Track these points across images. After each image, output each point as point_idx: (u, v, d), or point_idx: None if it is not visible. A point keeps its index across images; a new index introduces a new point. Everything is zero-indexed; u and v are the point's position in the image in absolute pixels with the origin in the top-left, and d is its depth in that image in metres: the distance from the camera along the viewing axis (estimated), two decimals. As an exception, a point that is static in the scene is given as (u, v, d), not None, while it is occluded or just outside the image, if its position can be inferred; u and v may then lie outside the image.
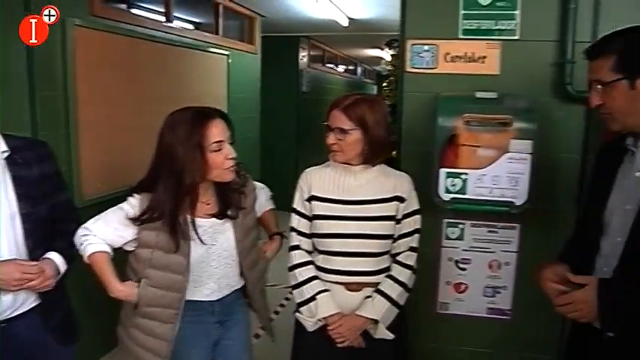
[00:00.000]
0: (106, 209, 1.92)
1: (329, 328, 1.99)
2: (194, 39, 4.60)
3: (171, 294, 1.86)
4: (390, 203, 2.00)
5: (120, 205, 1.90)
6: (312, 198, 2.03)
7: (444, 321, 2.64)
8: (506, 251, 2.53)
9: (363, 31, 6.23)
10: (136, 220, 1.83)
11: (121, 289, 1.84)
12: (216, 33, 5.18)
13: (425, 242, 2.46)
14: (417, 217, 2.05)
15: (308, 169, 2.10)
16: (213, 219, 1.92)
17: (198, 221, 1.88)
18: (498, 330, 2.61)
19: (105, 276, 1.84)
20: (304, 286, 2.02)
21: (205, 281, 1.93)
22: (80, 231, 1.88)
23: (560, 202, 2.48)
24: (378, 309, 1.97)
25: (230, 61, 5.21)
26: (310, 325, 2.02)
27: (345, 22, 5.94)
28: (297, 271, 2.04)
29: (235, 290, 2.04)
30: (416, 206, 2.05)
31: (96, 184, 3.25)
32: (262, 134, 6.27)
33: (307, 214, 2.05)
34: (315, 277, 2.02)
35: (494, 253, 2.54)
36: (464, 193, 2.26)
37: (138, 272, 1.87)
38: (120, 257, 1.93)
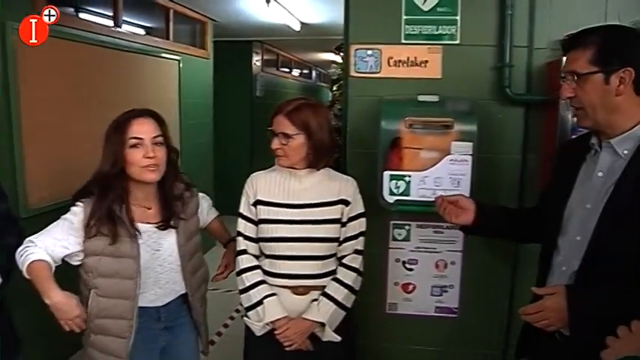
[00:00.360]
0: (53, 218, 1.91)
1: (276, 332, 2.01)
2: (144, 44, 4.54)
3: (123, 302, 1.85)
4: (335, 206, 2.04)
5: (63, 215, 1.90)
6: (257, 202, 2.05)
7: (394, 321, 2.67)
8: (452, 251, 2.59)
9: (315, 36, 6.26)
10: (89, 228, 1.83)
11: (58, 296, 1.76)
12: (167, 38, 5.13)
13: (372, 244, 2.51)
14: (362, 220, 2.10)
15: (253, 174, 2.12)
16: (156, 226, 1.96)
17: (142, 226, 1.91)
18: (446, 328, 2.66)
19: (42, 283, 1.77)
20: (251, 291, 2.03)
21: (151, 287, 1.95)
22: (22, 245, 1.85)
23: (502, 201, 2.54)
24: (324, 312, 2.00)
25: (181, 66, 5.18)
26: (258, 329, 2.03)
27: (297, 27, 5.96)
28: (244, 275, 2.05)
29: (180, 295, 2.05)
30: (361, 209, 2.10)
31: (41, 194, 3.16)
32: (215, 139, 6.23)
33: (253, 218, 2.06)
34: (262, 282, 2.04)
35: (441, 253, 2.59)
36: (407, 195, 2.30)
37: (87, 284, 1.86)
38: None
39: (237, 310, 4.33)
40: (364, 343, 2.64)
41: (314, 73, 11.40)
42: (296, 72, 10.09)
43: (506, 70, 2.45)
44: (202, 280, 2.13)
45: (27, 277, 1.79)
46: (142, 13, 5.04)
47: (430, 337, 2.68)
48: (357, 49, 2.52)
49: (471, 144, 2.26)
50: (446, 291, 2.62)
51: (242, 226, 2.08)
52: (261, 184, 2.07)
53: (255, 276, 2.05)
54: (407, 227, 2.58)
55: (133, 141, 1.85)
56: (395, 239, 2.60)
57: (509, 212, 2.14)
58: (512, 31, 2.44)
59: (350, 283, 2.05)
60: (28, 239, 1.86)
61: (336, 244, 2.06)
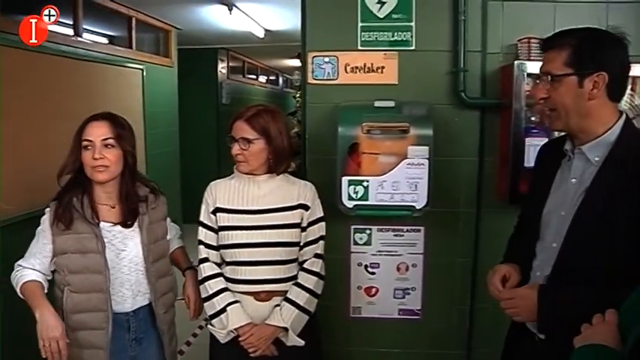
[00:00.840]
0: (15, 230, 1.99)
1: (240, 338, 2.02)
2: (106, 53, 4.48)
3: (96, 295, 1.91)
4: (295, 211, 2.07)
5: (37, 229, 1.99)
6: (217, 210, 2.07)
7: (358, 325, 2.69)
8: (413, 253, 2.62)
9: (279, 42, 6.27)
10: (54, 226, 1.92)
11: (47, 311, 1.84)
12: (130, 47, 5.08)
13: (334, 249, 2.54)
14: (322, 224, 2.14)
15: (213, 182, 2.14)
16: (120, 226, 2.00)
17: (107, 225, 1.97)
18: (410, 330, 2.69)
19: (34, 299, 1.88)
20: (214, 299, 2.04)
21: (117, 288, 1.98)
22: (14, 270, 1.97)
23: (461, 204, 2.60)
24: (286, 317, 2.01)
25: (145, 75, 5.13)
26: (222, 336, 2.04)
27: (261, 34, 5.97)
28: (206, 283, 2.07)
29: (149, 305, 2.06)
30: (320, 214, 2.13)
31: (0, 206, 3.10)
32: (182, 148, 6.18)
33: (213, 226, 2.08)
34: (225, 289, 2.06)
35: (402, 256, 2.62)
36: (366, 200, 2.33)
37: (61, 282, 1.94)
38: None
39: (207, 319, 4.30)
40: (329, 348, 2.65)
41: (281, 80, 11.40)
42: (263, 78, 10.08)
43: (461, 75, 2.49)
44: (168, 287, 2.13)
45: (22, 297, 1.91)
46: (103, 22, 4.98)
47: (394, 340, 2.70)
48: (314, 57, 2.55)
49: (427, 148, 2.30)
50: (408, 293, 2.65)
51: (202, 234, 2.10)
52: (221, 192, 2.09)
53: (218, 284, 2.06)
54: (368, 231, 2.60)
55: (85, 143, 1.94)
56: (356, 243, 2.62)
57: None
58: (466, 37, 2.49)
59: (311, 287, 2.07)
60: (17, 263, 1.97)
61: (297, 248, 2.08)
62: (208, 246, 2.09)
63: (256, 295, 2.05)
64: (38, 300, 1.86)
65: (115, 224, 1.99)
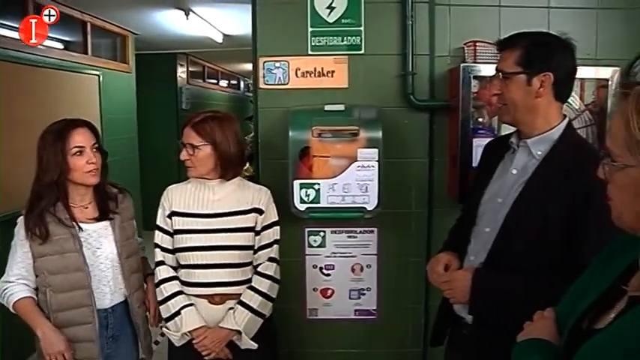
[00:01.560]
0: None
1: (194, 341, 2.04)
2: (61, 59, 4.40)
3: (79, 292, 1.97)
4: (249, 215, 2.09)
5: (12, 241, 2.02)
6: (172, 214, 2.10)
7: (315, 326, 2.72)
8: (367, 254, 2.66)
9: (238, 47, 6.24)
10: (30, 235, 1.94)
11: (48, 329, 1.91)
12: (85, 52, 4.99)
13: (289, 251, 2.56)
14: (276, 228, 2.17)
15: (169, 187, 2.18)
16: (96, 223, 2.05)
17: (82, 225, 2.01)
18: (367, 330, 2.73)
19: (31, 319, 1.95)
20: (169, 301, 2.07)
21: (97, 285, 2.02)
22: (1, 287, 2.00)
23: (412, 204, 2.65)
24: (239, 320, 2.03)
25: (102, 80, 5.06)
26: (177, 339, 2.07)
27: (219, 39, 5.94)
28: (162, 286, 2.10)
29: (124, 302, 2.10)
30: (274, 218, 2.16)
31: None
32: (141, 154, 6.11)
33: (169, 230, 2.12)
34: (179, 292, 2.08)
35: (356, 257, 2.66)
36: (318, 202, 2.36)
37: (42, 284, 1.97)
38: None
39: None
40: (287, 350, 2.67)
41: (242, 84, 11.33)
42: (224, 83, 10.00)
43: (410, 78, 2.55)
44: (140, 283, 2.18)
45: (15, 312, 1.97)
46: (57, 27, 4.88)
47: (352, 340, 2.74)
48: (265, 62, 2.57)
49: (376, 150, 2.34)
50: (364, 294, 2.69)
51: (159, 237, 2.13)
52: (176, 196, 2.12)
53: (173, 286, 2.08)
54: (321, 234, 2.63)
55: (76, 150, 1.97)
56: (311, 246, 2.65)
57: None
58: (414, 41, 2.55)
59: (265, 290, 2.09)
60: (2, 280, 2.00)
61: (251, 252, 2.11)
62: (164, 249, 2.12)
63: (210, 299, 2.07)
64: (36, 318, 1.93)
65: (90, 221, 2.04)
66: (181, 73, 7.42)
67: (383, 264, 2.67)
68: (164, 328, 2.11)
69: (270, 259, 2.13)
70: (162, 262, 2.12)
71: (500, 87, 1.69)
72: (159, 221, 2.13)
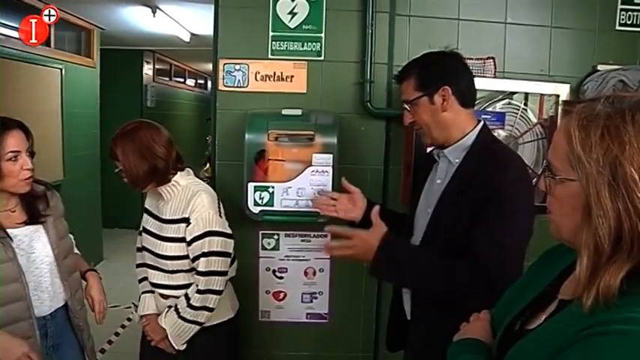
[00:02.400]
0: None
1: (142, 323, 2.20)
2: (21, 50, 4.29)
3: (16, 305, 1.81)
4: (178, 225, 2.07)
5: None
6: (144, 210, 2.23)
7: (267, 328, 2.73)
8: (320, 258, 2.68)
9: (206, 47, 6.21)
10: None
11: (2, 337, 1.73)
12: (48, 45, 4.90)
13: (243, 253, 2.57)
14: (207, 239, 2.05)
15: None
16: (26, 227, 1.91)
17: (11, 232, 1.86)
18: (318, 333, 2.75)
19: None
20: (139, 285, 2.28)
21: (34, 292, 1.91)
22: None
23: (367, 210, 2.68)
24: (168, 321, 2.11)
25: (64, 74, 4.98)
26: (138, 320, 2.26)
27: (186, 37, 5.92)
28: (137, 270, 2.31)
29: (64, 307, 2.02)
30: (205, 229, 2.04)
31: None
32: (103, 151, 6.02)
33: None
34: (144, 279, 2.25)
35: (309, 261, 2.68)
36: (272, 206, 2.38)
37: None
38: None
39: (123, 326, 4.23)
40: (240, 351, 2.68)
41: (209, 84, 11.26)
42: (190, 82, 9.92)
43: (368, 86, 2.58)
44: (78, 283, 2.11)
45: None
46: (18, 17, 4.79)
47: (303, 343, 2.76)
48: (225, 64, 2.57)
49: (331, 155, 2.37)
50: (316, 297, 2.71)
51: (144, 221, 2.23)
52: (149, 194, 2.22)
53: (141, 272, 2.27)
54: (275, 237, 2.65)
55: (11, 155, 1.82)
56: (265, 248, 2.66)
57: (397, 215, 2.18)
58: (374, 49, 2.58)
59: (194, 303, 2.05)
60: None
61: (185, 261, 2.09)
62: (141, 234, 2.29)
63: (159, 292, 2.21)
64: None
65: (19, 226, 1.90)
66: (147, 70, 7.35)
67: (335, 268, 2.70)
68: (133, 310, 2.28)
69: (199, 273, 2.06)
70: (140, 249, 2.29)
71: (412, 115, 1.80)
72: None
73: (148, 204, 2.23)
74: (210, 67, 9.08)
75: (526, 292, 1.15)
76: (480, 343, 1.17)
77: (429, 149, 2.37)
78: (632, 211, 0.84)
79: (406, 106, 1.81)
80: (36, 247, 1.93)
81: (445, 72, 1.75)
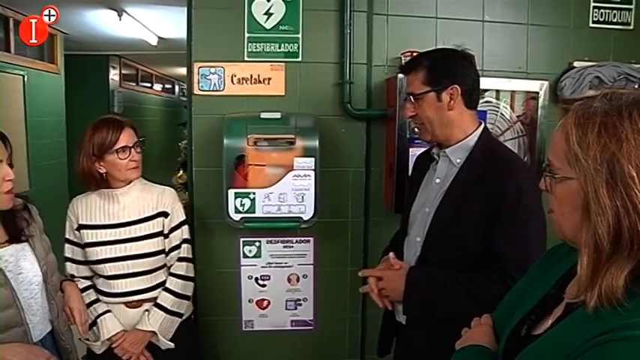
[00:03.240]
0: None
1: (113, 345, 2.08)
2: (-23, 56, 4.14)
3: (12, 331, 1.65)
4: (155, 220, 2.12)
5: None
6: (81, 227, 2.09)
7: (251, 338, 2.65)
8: (303, 264, 2.63)
9: (173, 50, 6.09)
10: None
11: (16, 350, 1.58)
12: (8, 50, 4.72)
13: (223, 262, 2.52)
14: (184, 227, 2.20)
15: (75, 198, 2.17)
16: (10, 246, 1.72)
17: None
18: (304, 340, 2.69)
19: None
20: (90, 308, 2.08)
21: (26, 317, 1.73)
22: None
23: (349, 213, 2.64)
24: (154, 321, 2.09)
25: (27, 81, 4.80)
26: (97, 347, 2.09)
27: (154, 41, 5.78)
28: (83, 295, 2.07)
29: (51, 333, 1.83)
30: (181, 218, 2.19)
31: None
32: (70, 159, 5.84)
33: (79, 242, 2.12)
34: (96, 301, 2.11)
35: (292, 267, 2.62)
36: (253, 212, 2.31)
37: None
38: None
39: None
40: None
41: (177, 88, 11.05)
42: (158, 87, 9.73)
43: (347, 87, 2.54)
44: (62, 303, 1.92)
45: None
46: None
47: (288, 351, 2.69)
48: (200, 67, 2.49)
49: (313, 159, 2.32)
50: (300, 304, 2.65)
51: (69, 251, 2.13)
52: (82, 208, 2.11)
53: (88, 297, 2.09)
54: (257, 244, 2.58)
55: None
56: (246, 256, 2.58)
57: None
58: (352, 50, 2.54)
59: (178, 290, 2.14)
60: None
61: (162, 255, 2.15)
62: (75, 261, 2.13)
63: (127, 303, 2.12)
64: None
65: (3, 245, 1.70)
66: (114, 75, 7.17)
67: (319, 274, 2.65)
68: (84, 340, 2.08)
69: (181, 259, 2.17)
70: (73, 276, 2.12)
71: (415, 109, 1.76)
72: (67, 234, 2.13)
73: (87, 219, 2.08)
74: (178, 71, 8.94)
75: (530, 295, 1.13)
76: (485, 350, 1.13)
77: (418, 150, 2.37)
78: (631, 209, 0.83)
79: (411, 99, 1.76)
80: (23, 266, 1.74)
81: (456, 71, 1.72)
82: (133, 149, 2.07)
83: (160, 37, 5.75)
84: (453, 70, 1.72)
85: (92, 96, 6.83)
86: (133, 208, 2.10)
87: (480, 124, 1.77)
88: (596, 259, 0.86)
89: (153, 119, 9.13)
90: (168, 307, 2.11)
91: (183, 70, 9.13)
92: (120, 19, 4.77)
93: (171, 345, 2.12)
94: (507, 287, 1.34)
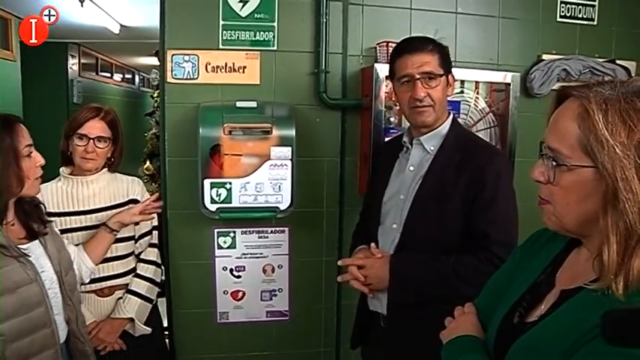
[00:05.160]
0: None
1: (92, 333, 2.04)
2: None
3: (40, 332, 1.59)
4: (127, 207, 2.14)
5: None
6: (49, 215, 1.94)
7: (226, 330, 2.62)
8: (278, 254, 2.61)
9: (136, 39, 5.96)
10: None
11: None
12: (-43, 36, 4.52)
13: (197, 254, 2.49)
14: (153, 215, 2.24)
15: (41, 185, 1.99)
16: (30, 243, 1.66)
17: (21, 247, 1.61)
18: (279, 331, 2.69)
19: None
20: None
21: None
22: None
23: (324, 203, 2.64)
24: (131, 308, 2.10)
25: (-22, 69, 4.61)
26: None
27: (116, 29, 5.63)
28: None
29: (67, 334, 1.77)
30: None
31: None
32: (28, 150, 5.65)
33: None
34: None
35: (267, 258, 2.60)
36: (229, 202, 2.28)
37: None
38: None
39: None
40: (197, 356, 2.60)
41: (137, 78, 10.77)
42: (118, 77, 9.48)
43: (322, 76, 2.52)
44: (79, 302, 1.86)
45: None
46: None
47: (264, 342, 2.68)
48: (173, 55, 2.44)
49: (289, 148, 2.30)
50: (275, 295, 2.63)
51: (60, 224, 2.05)
52: (49, 196, 2.04)
53: None
54: (232, 234, 2.54)
55: (28, 149, 1.64)
56: (220, 247, 2.55)
57: None
58: (328, 39, 2.53)
59: (150, 275, 2.19)
60: None
61: (132, 242, 2.18)
62: None
63: (99, 292, 2.10)
64: None
65: (22, 241, 1.64)
66: (73, 64, 6.95)
67: (294, 264, 2.64)
68: None
69: (151, 245, 2.24)
70: None
71: (426, 90, 1.74)
72: None
73: (54, 207, 2.02)
74: (139, 60, 8.74)
75: (518, 281, 1.12)
76: (476, 340, 1.12)
77: (387, 138, 2.38)
78: None
79: (424, 78, 1.74)
80: (44, 264, 1.68)
81: (450, 61, 1.83)
82: (93, 141, 2.05)
83: (122, 25, 5.60)
84: (449, 58, 1.82)
85: (50, 85, 6.61)
86: (103, 195, 2.11)
87: (449, 113, 1.84)
88: (626, 245, 0.86)
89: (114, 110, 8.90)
90: (143, 293, 2.15)
91: (144, 60, 9.02)
92: (82, 6, 4.62)
93: (148, 330, 2.14)
94: (496, 266, 1.38)
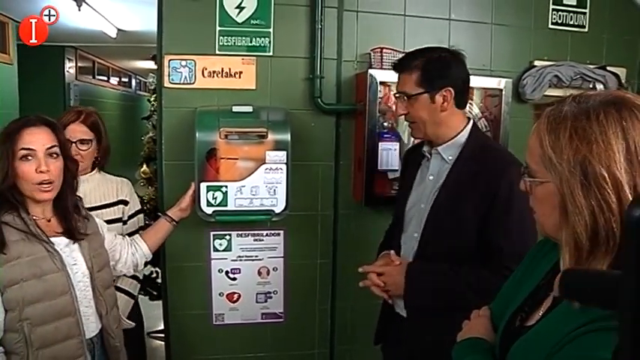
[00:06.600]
0: None
1: None
2: None
3: (65, 320, 1.65)
4: (116, 207, 2.25)
5: None
6: None
7: (222, 332, 2.65)
8: (274, 257, 2.64)
9: (133, 43, 5.99)
10: None
11: None
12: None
13: (194, 256, 2.51)
14: (140, 216, 2.38)
15: None
16: (64, 237, 1.73)
17: (54, 240, 1.69)
18: (274, 333, 2.71)
19: None
20: None
21: (81, 309, 1.73)
22: None
23: (319, 206, 2.67)
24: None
25: (-22, 72, 4.63)
26: None
27: (113, 33, 5.67)
28: None
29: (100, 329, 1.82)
30: (138, 207, 2.38)
31: None
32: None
33: None
34: None
35: (262, 260, 2.63)
36: (225, 205, 2.31)
37: (15, 321, 1.58)
38: None
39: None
40: (195, 357, 2.62)
41: (134, 82, 10.81)
42: (114, 80, 9.51)
43: (318, 81, 2.56)
44: (114, 300, 1.90)
45: None
46: None
47: (259, 344, 2.70)
48: (170, 60, 2.47)
49: (284, 153, 2.33)
50: (270, 297, 2.66)
51: None
52: None
53: None
54: (227, 237, 2.57)
55: (23, 152, 1.64)
56: (216, 250, 2.58)
57: None
58: (323, 45, 2.56)
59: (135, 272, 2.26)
60: None
61: (120, 224, 2.25)
62: None
63: None
64: None
65: (58, 235, 1.72)
66: (70, 68, 6.99)
67: (289, 266, 2.67)
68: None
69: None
70: None
71: (407, 108, 1.77)
72: None
73: None
74: (136, 64, 8.80)
75: (523, 286, 1.16)
76: (481, 342, 1.16)
77: (387, 145, 2.41)
78: (605, 207, 0.87)
79: (401, 98, 1.78)
80: (77, 259, 1.74)
81: (450, 72, 1.74)
82: (75, 144, 2.15)
83: (119, 29, 5.64)
84: (446, 71, 1.73)
85: (47, 89, 6.65)
86: (94, 194, 2.19)
87: (469, 120, 1.81)
88: (577, 256, 0.90)
89: (110, 113, 8.93)
90: (126, 289, 2.25)
91: (141, 64, 9.06)
92: (79, 9, 4.66)
93: (132, 324, 2.17)
94: (506, 278, 1.39)
